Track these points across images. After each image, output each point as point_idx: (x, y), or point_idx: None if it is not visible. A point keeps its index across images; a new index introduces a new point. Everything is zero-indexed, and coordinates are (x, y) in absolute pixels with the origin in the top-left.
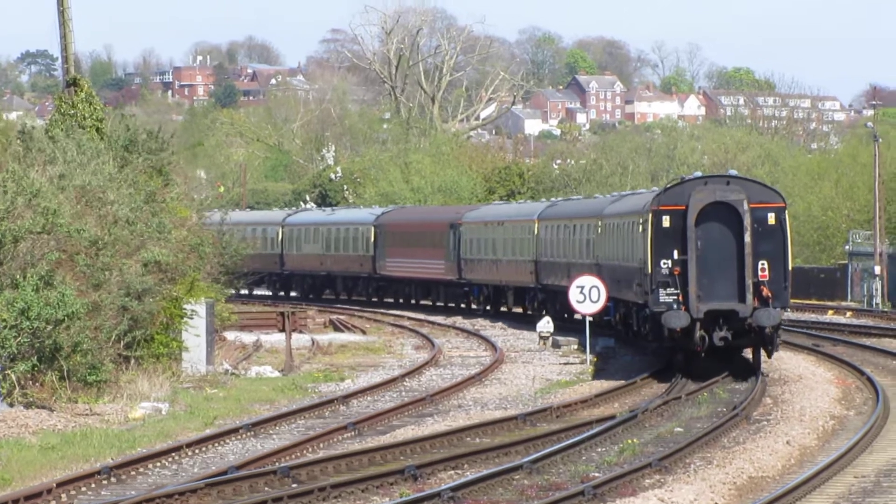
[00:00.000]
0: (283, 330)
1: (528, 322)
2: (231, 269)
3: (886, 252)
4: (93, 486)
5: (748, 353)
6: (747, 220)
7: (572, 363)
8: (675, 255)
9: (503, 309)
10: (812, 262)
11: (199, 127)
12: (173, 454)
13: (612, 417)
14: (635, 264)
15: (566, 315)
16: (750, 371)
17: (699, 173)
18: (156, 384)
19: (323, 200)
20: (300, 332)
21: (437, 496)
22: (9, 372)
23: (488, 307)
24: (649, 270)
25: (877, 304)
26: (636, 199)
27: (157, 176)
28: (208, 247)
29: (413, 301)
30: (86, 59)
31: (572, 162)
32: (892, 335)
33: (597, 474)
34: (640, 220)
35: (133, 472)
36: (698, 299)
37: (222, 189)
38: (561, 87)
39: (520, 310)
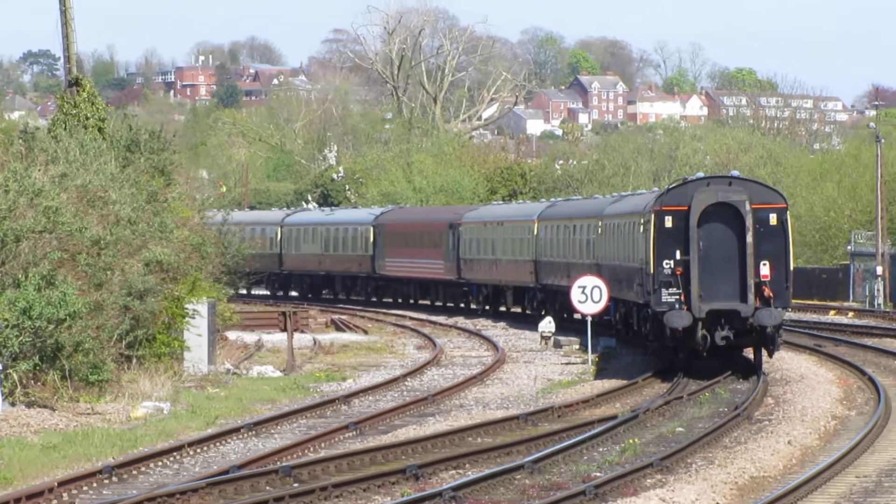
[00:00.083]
0: (284, 330)
1: (529, 322)
2: (232, 269)
3: (888, 252)
4: (94, 485)
5: (750, 353)
6: (749, 221)
7: (574, 363)
8: (678, 255)
9: (502, 309)
10: (814, 262)
11: (202, 127)
12: (175, 453)
13: (614, 417)
14: (636, 264)
15: (565, 315)
16: (751, 371)
17: (701, 174)
18: (157, 384)
19: (325, 200)
20: (302, 331)
21: (439, 496)
22: (11, 371)
23: (487, 307)
24: (652, 270)
25: (879, 304)
26: (637, 200)
27: (159, 176)
28: (210, 246)
29: (412, 301)
30: (88, 59)
31: (574, 162)
32: (894, 335)
33: (598, 474)
34: (643, 221)
35: (134, 472)
36: (700, 299)
37: (224, 189)
38: (563, 88)
39: (519, 309)
